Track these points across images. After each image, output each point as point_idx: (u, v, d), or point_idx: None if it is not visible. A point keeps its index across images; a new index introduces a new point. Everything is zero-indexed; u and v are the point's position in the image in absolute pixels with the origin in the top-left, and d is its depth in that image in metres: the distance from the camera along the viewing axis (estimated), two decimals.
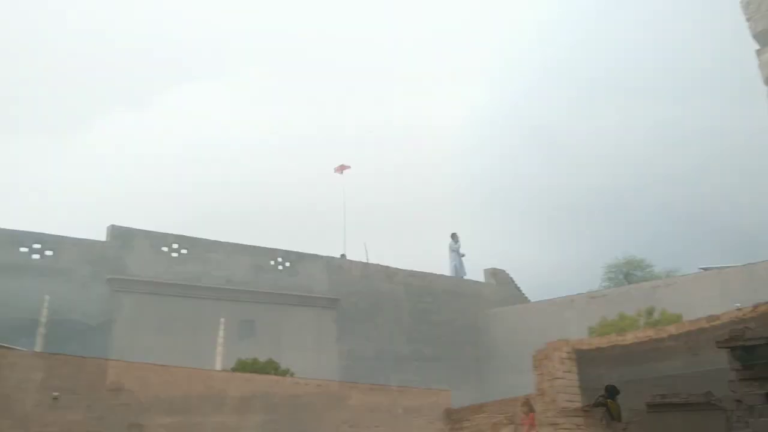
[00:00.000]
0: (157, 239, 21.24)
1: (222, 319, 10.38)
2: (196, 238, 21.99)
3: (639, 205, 40.82)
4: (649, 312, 11.08)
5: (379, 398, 10.09)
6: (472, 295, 26.66)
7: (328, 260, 24.50)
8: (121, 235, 20.63)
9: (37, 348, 9.60)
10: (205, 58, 47.52)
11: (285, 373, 9.66)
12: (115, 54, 42.15)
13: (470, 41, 50.79)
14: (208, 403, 8.63)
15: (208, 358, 18.41)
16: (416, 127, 42.97)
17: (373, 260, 25.79)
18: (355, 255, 25.89)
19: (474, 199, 38.70)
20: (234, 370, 9.36)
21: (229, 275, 21.73)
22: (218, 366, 9.68)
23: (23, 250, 19.03)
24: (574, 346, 7.85)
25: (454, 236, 27.72)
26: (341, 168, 27.78)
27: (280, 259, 23.39)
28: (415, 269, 25.95)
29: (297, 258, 23.70)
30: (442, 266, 27.69)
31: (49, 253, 19.31)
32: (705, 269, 23.90)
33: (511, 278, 28.18)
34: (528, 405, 9.30)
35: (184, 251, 21.54)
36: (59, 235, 19.65)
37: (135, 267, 20.22)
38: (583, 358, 7.90)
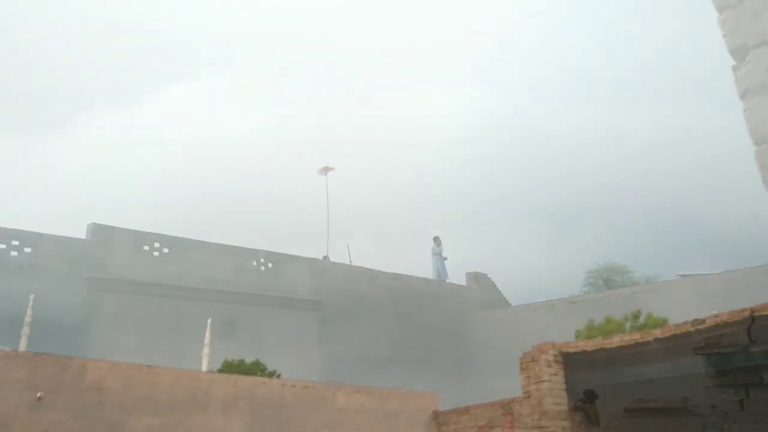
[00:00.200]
0: (138, 238, 21.05)
1: (209, 320, 10.29)
2: (177, 238, 21.82)
3: (620, 212, 41.39)
4: (635, 316, 11.28)
5: (366, 400, 10.08)
6: (454, 298, 26.80)
7: (311, 262, 24.48)
8: (101, 233, 20.41)
9: (21, 347, 9.46)
10: (189, 58, 47.06)
11: (272, 374, 9.61)
12: (101, 52, 41.55)
13: (458, 44, 51.03)
14: (193, 405, 8.56)
15: (189, 358, 18.29)
16: (400, 129, 43.09)
17: (356, 262, 25.87)
18: (337, 257, 25.95)
19: (456, 204, 38.92)
20: (220, 371, 9.30)
21: (210, 275, 21.60)
22: (204, 367, 9.63)
23: (1, 246, 18.79)
24: (560, 349, 7.94)
25: (436, 239, 27.89)
26: (325, 170, 27.83)
27: (262, 260, 23.31)
28: (397, 272, 26.03)
29: (279, 259, 23.63)
30: (425, 269, 27.87)
31: (27, 250, 19.07)
32: (684, 276, 24.33)
33: (492, 282, 28.38)
34: (506, 408, 9.39)
35: (165, 250, 21.37)
36: (38, 233, 19.41)
37: (115, 266, 20.01)
38: (569, 361, 8.01)
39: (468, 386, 23.39)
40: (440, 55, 51.19)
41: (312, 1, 48.26)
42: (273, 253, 23.70)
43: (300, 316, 23.11)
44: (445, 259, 27.64)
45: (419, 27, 49.08)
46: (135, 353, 18.31)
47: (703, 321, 7.10)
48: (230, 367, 9.31)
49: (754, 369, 6.41)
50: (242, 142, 42.02)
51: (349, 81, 46.92)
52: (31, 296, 10.36)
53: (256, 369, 9.33)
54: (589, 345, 7.85)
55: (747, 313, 6.66)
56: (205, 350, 9.92)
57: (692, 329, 7.17)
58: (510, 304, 27.85)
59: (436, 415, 10.47)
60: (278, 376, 9.70)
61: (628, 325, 11.37)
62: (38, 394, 7.46)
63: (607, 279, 29.02)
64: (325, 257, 25.39)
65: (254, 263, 23.07)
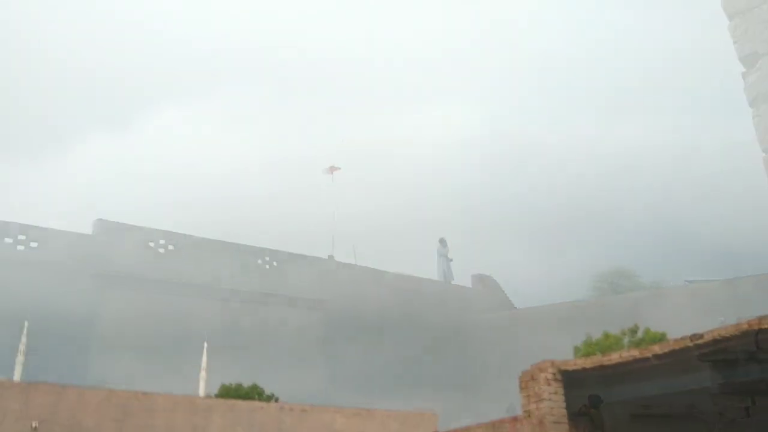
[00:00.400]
0: (144, 235, 21.04)
1: (205, 344, 10.17)
2: (183, 235, 21.85)
3: (626, 220, 41.12)
4: (633, 331, 11.19)
5: (365, 423, 10.01)
6: (459, 299, 26.62)
7: (316, 261, 24.35)
8: (107, 230, 20.43)
9: (16, 376, 9.38)
10: (186, 78, 46.30)
11: (270, 398, 9.53)
12: (95, 73, 41.16)
13: (459, 57, 50.43)
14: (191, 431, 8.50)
15: (190, 359, 18.27)
16: (406, 139, 42.79)
17: (360, 263, 25.72)
18: (342, 257, 25.79)
19: (461, 207, 38.71)
20: (218, 396, 9.22)
21: (215, 273, 21.55)
22: (201, 392, 9.54)
23: (8, 241, 18.85)
24: (559, 366, 7.85)
25: (442, 241, 27.83)
26: (332, 169, 27.77)
27: (267, 259, 23.24)
28: (403, 272, 25.92)
29: (284, 258, 23.56)
30: (430, 271, 27.79)
31: (34, 245, 19.13)
32: (690, 282, 24.16)
33: (498, 284, 28.15)
34: (507, 427, 9.27)
35: (171, 247, 21.35)
36: (45, 228, 19.48)
37: (121, 262, 20.01)
38: (567, 379, 7.93)
39: (472, 385, 23.28)
40: (448, 68, 50.68)
41: (318, 21, 47.76)
42: (278, 251, 23.67)
43: (304, 314, 23.04)
44: (451, 260, 27.54)
45: (422, 42, 48.55)
46: (138, 351, 18.40)
47: (701, 336, 7.00)
48: (228, 392, 9.22)
49: (760, 377, 6.43)
50: (246, 159, 41.46)
51: (352, 89, 46.49)
52: (26, 323, 10.25)
53: (254, 393, 9.24)
54: (588, 362, 7.76)
55: (745, 327, 6.61)
56: (203, 374, 9.80)
57: (691, 344, 7.10)
58: (515, 307, 27.67)
59: None
60: (276, 400, 9.62)
61: (626, 339, 11.30)
62: (33, 424, 7.39)
63: (614, 283, 28.77)
64: (330, 257, 25.25)
65: (259, 262, 23.01)
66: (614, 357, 7.93)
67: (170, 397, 8.42)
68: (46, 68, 39.88)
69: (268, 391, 9.51)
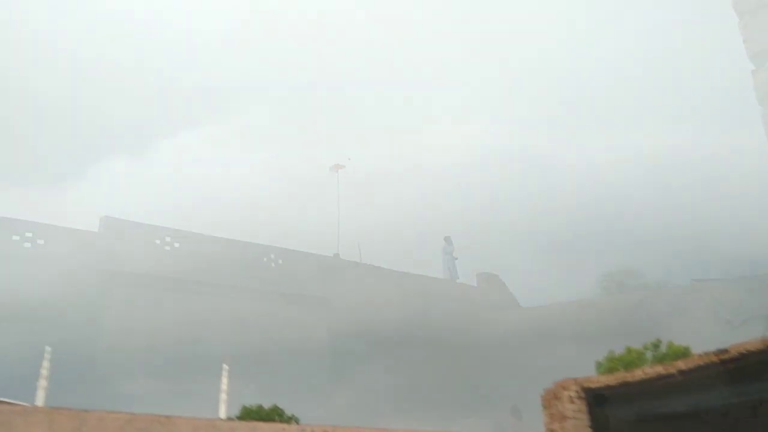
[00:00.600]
0: (149, 231, 21.01)
1: (225, 366, 9.99)
2: (189, 232, 21.84)
3: (632, 224, 41.13)
4: (656, 345, 11.07)
5: None
6: (465, 298, 26.58)
7: (321, 259, 24.32)
8: (113, 226, 20.40)
9: (39, 401, 9.21)
10: (202, 104, 46.37)
11: (290, 420, 9.42)
12: (110, 100, 41.36)
13: (472, 70, 50.52)
14: None
15: (193, 357, 18.16)
16: (417, 146, 42.94)
17: (366, 261, 25.68)
18: (348, 255, 25.74)
19: (466, 209, 38.64)
20: (239, 418, 9.10)
21: (221, 271, 21.50)
22: (222, 413, 9.41)
23: (15, 238, 18.81)
24: (582, 384, 7.77)
25: (447, 239, 27.76)
26: (337, 167, 27.86)
27: (273, 256, 23.21)
28: (407, 271, 25.86)
29: (289, 256, 23.51)
30: (435, 270, 27.69)
31: (40, 242, 19.08)
32: (697, 281, 24.09)
33: (504, 284, 28.13)
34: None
35: (176, 245, 21.33)
36: (51, 224, 19.44)
37: (127, 259, 19.97)
38: (590, 396, 7.84)
39: (478, 383, 23.17)
40: (459, 81, 50.77)
41: (329, 39, 47.90)
42: (283, 249, 23.62)
43: (309, 313, 22.97)
44: (456, 259, 27.48)
45: (432, 52, 48.63)
46: (144, 348, 18.35)
47: (727, 351, 6.95)
48: (249, 414, 9.08)
49: None
50: (260, 182, 41.57)
51: (359, 104, 46.63)
52: (48, 348, 10.08)
53: (274, 414, 9.11)
54: (612, 379, 7.74)
55: None
56: (223, 396, 9.64)
57: (717, 359, 7.05)
58: (520, 306, 27.62)
59: None
60: (297, 422, 9.52)
61: (648, 353, 11.22)
62: None
63: (621, 282, 28.74)
64: (336, 255, 25.25)
65: (264, 259, 22.98)
66: (638, 374, 7.92)
67: (191, 420, 8.26)
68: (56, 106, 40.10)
69: (288, 413, 9.41)
